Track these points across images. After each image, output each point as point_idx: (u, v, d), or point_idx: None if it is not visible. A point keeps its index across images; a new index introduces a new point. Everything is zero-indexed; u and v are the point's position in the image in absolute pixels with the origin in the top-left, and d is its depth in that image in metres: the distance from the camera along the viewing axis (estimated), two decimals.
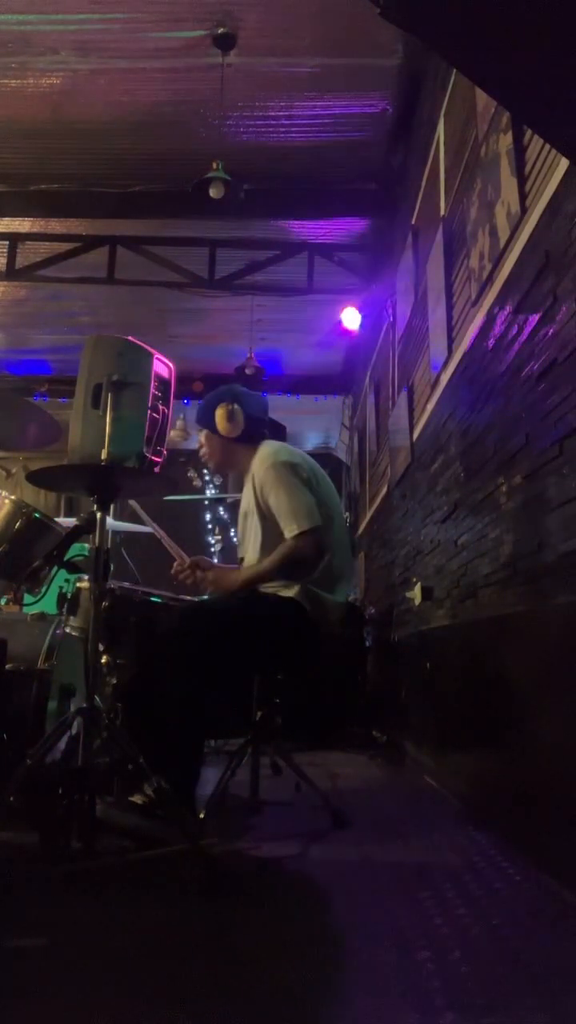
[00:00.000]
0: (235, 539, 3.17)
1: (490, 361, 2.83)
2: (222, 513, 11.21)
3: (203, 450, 2.85)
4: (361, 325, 6.51)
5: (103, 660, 2.54)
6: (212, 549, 11.22)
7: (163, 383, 2.35)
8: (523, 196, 2.51)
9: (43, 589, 2.74)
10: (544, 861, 1.99)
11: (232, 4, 4.09)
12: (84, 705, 2.01)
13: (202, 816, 2.34)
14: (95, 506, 2.17)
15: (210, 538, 11.57)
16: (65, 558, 2.17)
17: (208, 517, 11.56)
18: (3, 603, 2.82)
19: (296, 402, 8.82)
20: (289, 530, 2.53)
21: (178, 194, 5.10)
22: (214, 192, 4.52)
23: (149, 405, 2.27)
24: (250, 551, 2.73)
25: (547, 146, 2.31)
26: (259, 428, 2.78)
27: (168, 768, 2.09)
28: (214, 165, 4.54)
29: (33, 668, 2.57)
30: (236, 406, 2.71)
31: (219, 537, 11.64)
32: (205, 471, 10.56)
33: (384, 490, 5.81)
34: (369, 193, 5.66)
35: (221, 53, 4.31)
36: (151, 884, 1.88)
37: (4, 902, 1.73)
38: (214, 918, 1.69)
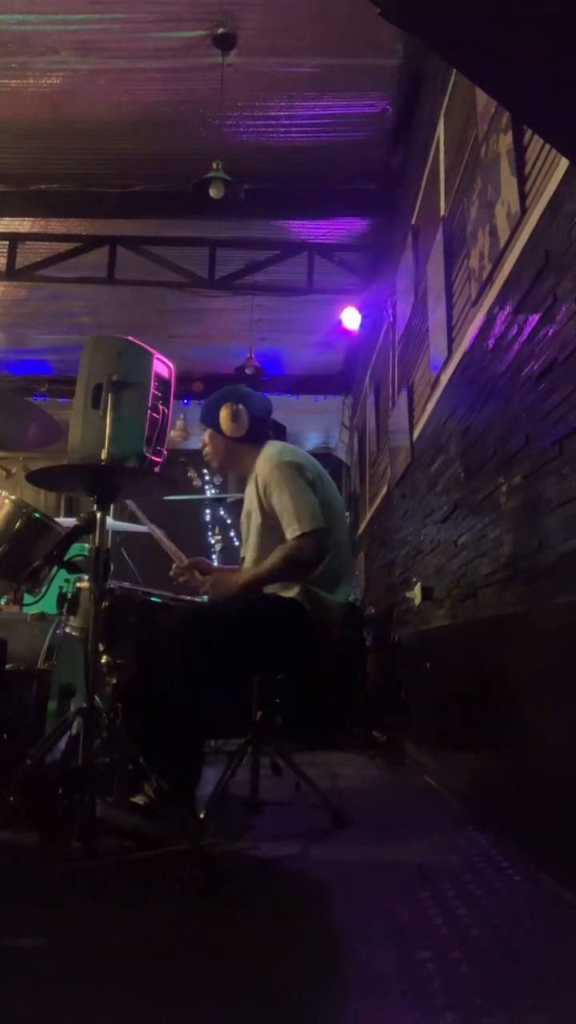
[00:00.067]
0: (235, 540, 3.17)
1: (490, 361, 2.83)
2: (222, 513, 11.20)
3: (206, 449, 2.86)
4: (361, 325, 6.51)
5: (103, 660, 2.53)
6: (212, 549, 11.22)
7: (163, 383, 2.35)
8: (523, 196, 2.51)
9: (43, 589, 2.74)
10: (544, 861, 1.99)
11: (232, 4, 4.08)
12: (84, 705, 2.01)
13: (202, 816, 2.34)
14: (95, 506, 2.17)
15: (210, 538, 11.56)
16: (65, 558, 2.17)
17: (208, 517, 11.56)
18: (3, 603, 2.82)
19: (296, 402, 8.82)
20: (291, 530, 2.54)
21: (178, 194, 5.10)
22: (214, 192, 4.52)
23: (149, 405, 2.27)
24: (251, 551, 2.73)
25: (547, 146, 2.31)
26: (263, 428, 2.79)
27: (168, 768, 2.09)
28: (214, 165, 4.54)
29: (33, 668, 2.57)
30: (241, 406, 2.72)
31: (219, 537, 11.63)
32: (205, 471, 10.57)
33: (384, 490, 5.81)
34: (369, 193, 5.66)
35: (221, 53, 4.31)
36: (151, 884, 1.88)
37: (4, 902, 1.73)
38: (214, 918, 1.69)
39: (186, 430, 8.92)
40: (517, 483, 2.46)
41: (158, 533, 2.92)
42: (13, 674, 2.50)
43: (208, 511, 11.37)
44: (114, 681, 2.58)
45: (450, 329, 3.59)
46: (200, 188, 4.54)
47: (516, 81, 0.99)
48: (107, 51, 4.40)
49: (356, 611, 5.46)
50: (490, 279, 2.86)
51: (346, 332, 6.81)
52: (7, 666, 2.46)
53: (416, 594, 3.98)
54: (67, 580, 2.67)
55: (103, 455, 2.15)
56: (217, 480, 10.40)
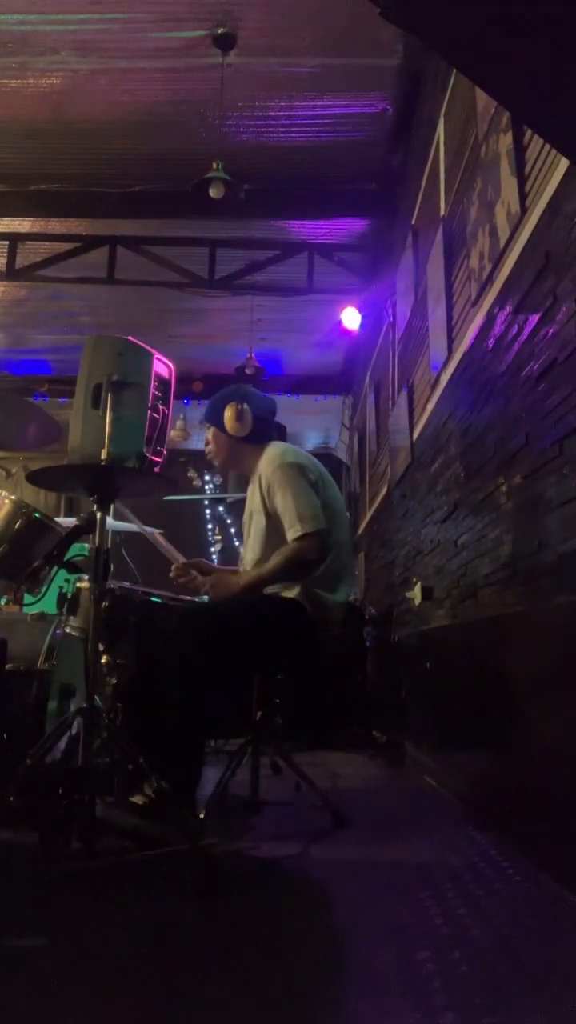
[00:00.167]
0: (235, 539, 3.17)
1: (490, 361, 2.83)
2: (222, 513, 11.20)
3: (209, 448, 2.86)
4: (361, 325, 6.51)
5: (103, 660, 2.53)
6: (212, 549, 11.22)
7: (163, 383, 2.35)
8: (523, 196, 2.51)
9: (43, 589, 2.74)
10: (544, 861, 1.99)
11: (232, 4, 4.08)
12: (84, 705, 2.01)
13: (202, 816, 2.34)
14: (95, 506, 2.17)
15: (210, 538, 11.56)
16: (65, 558, 2.17)
17: (208, 517, 11.56)
18: (3, 603, 2.82)
19: (296, 402, 8.82)
20: (293, 531, 2.54)
21: (178, 194, 5.10)
22: (214, 192, 4.52)
23: (149, 405, 2.27)
24: (253, 551, 2.73)
25: (547, 146, 2.31)
26: (267, 429, 2.80)
27: (169, 768, 2.09)
28: (214, 165, 4.54)
29: (33, 668, 2.57)
30: (245, 406, 2.73)
31: (219, 537, 11.63)
32: (205, 471, 10.57)
33: (384, 490, 5.81)
34: (369, 193, 5.66)
35: (221, 53, 4.31)
36: (151, 884, 1.88)
37: (4, 902, 1.73)
38: (214, 918, 1.69)
39: (186, 430, 8.92)
40: (517, 483, 2.46)
41: (155, 535, 2.92)
42: (13, 674, 2.50)
43: (208, 511, 11.37)
44: (114, 681, 2.58)
45: (450, 329, 3.59)
46: (200, 188, 4.54)
47: (516, 81, 0.98)
48: (107, 51, 4.40)
49: (356, 611, 5.45)
50: (490, 279, 2.86)
51: (346, 332, 6.80)
52: (7, 666, 2.46)
53: (416, 594, 3.98)
54: (67, 580, 2.67)
55: (103, 455, 2.15)
56: (217, 480, 10.40)
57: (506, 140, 2.66)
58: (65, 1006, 1.27)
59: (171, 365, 2.40)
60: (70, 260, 6.21)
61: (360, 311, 6.42)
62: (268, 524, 2.66)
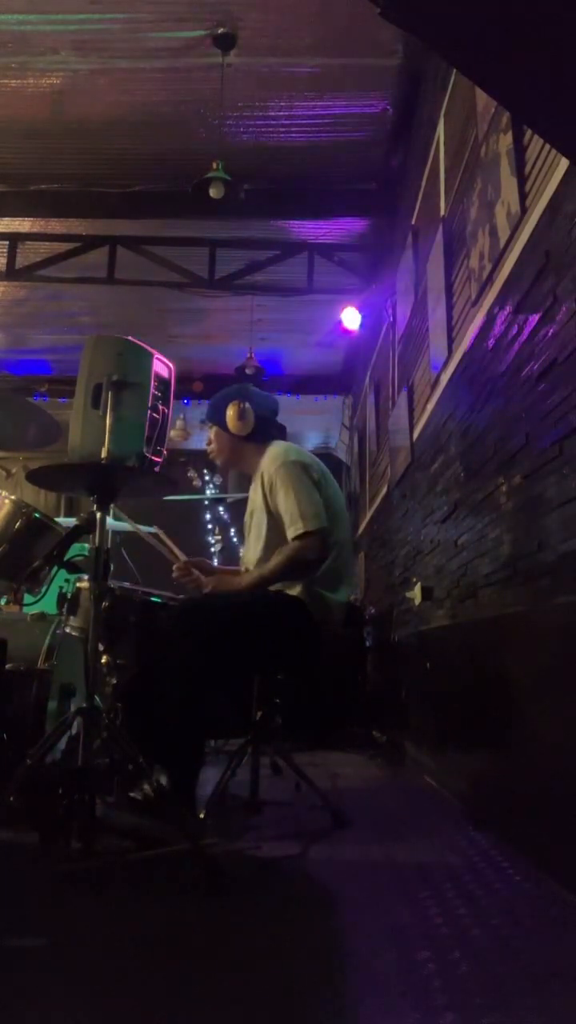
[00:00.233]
0: (235, 539, 3.17)
1: (490, 361, 2.83)
2: (222, 513, 11.20)
3: (211, 446, 2.87)
4: (361, 325, 6.50)
5: (103, 660, 2.54)
6: (212, 549, 11.22)
7: (163, 383, 2.35)
8: (523, 196, 2.51)
9: (43, 589, 2.74)
10: (544, 861, 1.99)
11: (232, 4, 4.08)
12: (84, 705, 2.01)
13: (202, 816, 2.34)
14: (95, 506, 2.17)
15: (210, 538, 11.56)
16: (65, 558, 2.17)
17: (208, 517, 11.56)
18: (3, 603, 2.82)
19: (296, 402, 8.82)
20: (294, 529, 2.54)
21: (178, 194, 5.10)
22: (214, 192, 4.52)
23: (149, 405, 2.27)
24: (254, 550, 2.73)
25: (547, 146, 2.31)
26: (269, 428, 2.81)
27: (169, 768, 2.09)
28: (214, 165, 4.54)
29: (33, 668, 2.57)
30: (247, 405, 2.74)
31: (219, 537, 11.63)
32: (205, 471, 10.57)
33: (384, 490, 5.81)
34: (369, 193, 5.66)
35: (221, 53, 4.31)
36: (151, 884, 1.88)
37: (4, 902, 1.72)
38: (214, 918, 1.69)
39: (186, 430, 8.92)
40: (517, 483, 2.46)
41: (158, 534, 2.92)
42: (13, 674, 2.50)
43: (208, 511, 11.38)
44: (114, 681, 2.58)
45: (450, 329, 3.59)
46: (200, 188, 4.54)
47: (516, 81, 0.98)
48: (107, 51, 4.40)
49: (356, 611, 5.45)
50: (490, 279, 2.86)
51: (346, 332, 6.80)
52: (7, 666, 2.46)
53: (416, 594, 3.98)
54: (67, 580, 2.67)
55: (103, 455, 2.15)
56: (217, 480, 10.40)
57: (506, 140, 2.66)
58: (65, 1006, 1.27)
59: (171, 365, 2.40)
60: (70, 260, 6.21)
61: (360, 311, 6.41)
62: (270, 523, 2.66)
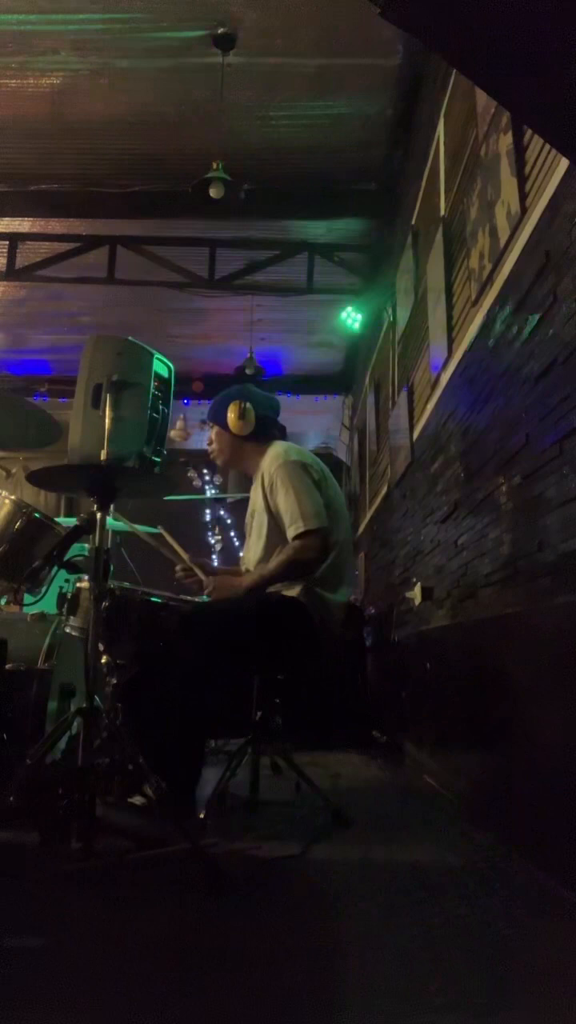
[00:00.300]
0: (235, 539, 3.17)
1: (490, 361, 2.83)
2: (222, 513, 11.20)
3: (212, 446, 2.88)
4: (361, 325, 6.51)
5: (103, 660, 2.53)
6: (212, 549, 11.22)
7: (163, 383, 2.35)
8: (523, 196, 2.51)
9: (43, 589, 2.74)
10: (544, 861, 1.99)
11: (232, 4, 4.08)
12: (84, 705, 2.01)
13: (202, 816, 2.34)
14: (95, 506, 2.17)
15: (210, 538, 11.56)
16: (65, 558, 2.17)
17: (208, 517, 11.55)
18: (3, 603, 2.82)
19: (296, 402, 8.82)
20: (294, 528, 2.54)
21: (178, 194, 5.10)
22: (214, 192, 4.52)
23: (149, 405, 2.27)
24: (255, 550, 2.73)
25: (547, 146, 2.31)
26: (270, 427, 2.82)
27: (169, 768, 2.09)
28: (214, 165, 4.54)
29: (33, 668, 2.58)
30: (248, 404, 2.75)
31: (219, 537, 11.63)
32: (205, 471, 10.57)
33: (384, 490, 5.81)
34: (369, 193, 5.66)
35: (221, 53, 4.30)
36: (151, 884, 1.88)
37: (4, 902, 1.72)
38: (214, 918, 1.69)
39: (186, 430, 8.92)
40: (517, 483, 2.46)
41: (161, 534, 2.92)
42: (13, 674, 2.51)
43: (208, 511, 11.37)
44: (114, 681, 2.58)
45: (450, 329, 3.59)
46: (200, 188, 4.54)
47: (516, 81, 0.99)
48: (107, 51, 4.40)
49: (356, 611, 5.45)
50: (490, 279, 2.86)
51: (346, 332, 6.81)
52: (7, 666, 2.46)
53: (416, 594, 3.98)
54: (67, 580, 2.67)
55: (103, 455, 2.15)
56: (217, 480, 10.40)
57: (506, 140, 2.66)
58: (66, 1006, 1.27)
59: (171, 365, 2.40)
60: (70, 260, 6.21)
61: (360, 311, 6.42)
62: (270, 523, 2.66)
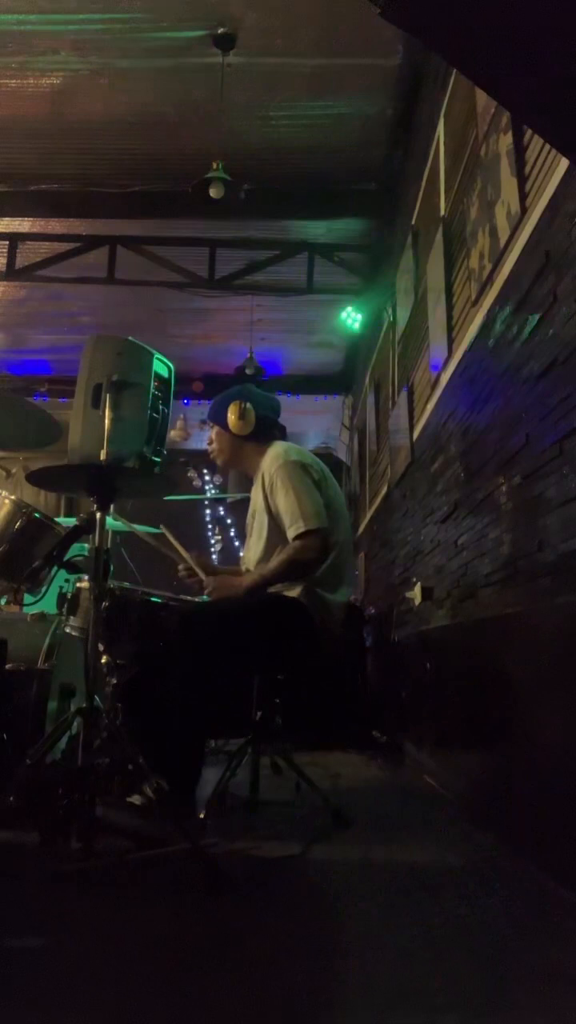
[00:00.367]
0: (235, 539, 3.17)
1: (490, 361, 2.83)
2: (222, 513, 11.21)
3: (212, 446, 2.89)
4: (361, 325, 6.51)
5: (103, 660, 2.53)
6: (212, 549, 11.23)
7: (163, 383, 2.35)
8: (523, 196, 2.51)
9: (43, 589, 2.74)
10: (544, 861, 1.99)
11: (232, 4, 4.08)
12: (84, 705, 2.01)
13: (202, 816, 2.34)
14: (95, 506, 2.17)
15: (210, 538, 11.57)
16: (65, 558, 2.17)
17: (208, 517, 11.56)
18: (3, 603, 2.82)
19: (296, 402, 8.82)
20: (294, 528, 2.54)
21: (178, 194, 5.10)
22: (214, 192, 4.52)
23: (149, 405, 2.27)
24: (255, 550, 2.73)
25: (547, 146, 2.31)
26: (270, 427, 2.82)
27: (169, 768, 2.09)
28: (214, 165, 4.54)
29: (33, 668, 2.58)
30: (248, 404, 2.75)
31: (219, 537, 11.64)
32: (205, 471, 10.57)
33: (384, 490, 5.81)
34: (369, 193, 5.66)
35: (221, 53, 4.30)
36: (151, 884, 1.88)
37: (4, 902, 1.73)
38: (214, 918, 1.69)
39: (186, 430, 8.92)
40: (517, 483, 2.46)
41: (163, 533, 2.92)
42: (13, 674, 2.50)
43: (208, 511, 11.38)
44: (114, 681, 2.58)
45: (450, 329, 3.59)
46: (200, 188, 4.54)
47: (516, 81, 0.98)
48: (107, 51, 4.40)
49: (356, 611, 5.45)
50: (490, 279, 2.86)
51: (346, 332, 6.80)
52: (7, 666, 2.46)
53: (416, 594, 3.98)
54: (67, 580, 2.67)
55: (103, 455, 2.15)
56: (217, 480, 10.40)
57: (506, 140, 2.66)
58: (65, 1006, 1.27)
59: (171, 365, 2.40)
60: (70, 260, 6.21)
61: (360, 311, 6.42)
62: (271, 523, 2.66)
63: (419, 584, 3.98)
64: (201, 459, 8.88)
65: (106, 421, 2.16)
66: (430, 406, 3.98)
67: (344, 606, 2.72)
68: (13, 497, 2.65)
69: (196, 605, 2.81)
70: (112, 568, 2.17)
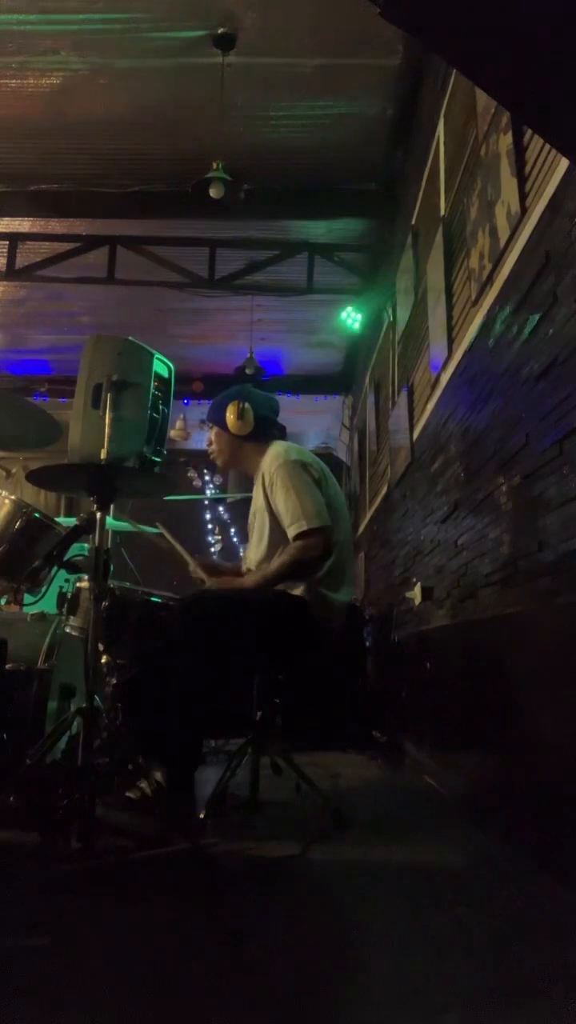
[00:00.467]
0: (235, 540, 3.18)
1: (490, 361, 2.83)
2: (222, 513, 11.21)
3: (212, 447, 2.89)
4: (361, 325, 6.51)
5: (103, 660, 2.53)
6: (212, 549, 11.23)
7: (163, 383, 2.36)
8: (523, 196, 2.51)
9: (43, 589, 2.74)
10: (544, 861, 1.99)
11: (232, 4, 4.08)
12: (84, 705, 2.01)
13: (202, 816, 2.34)
14: (95, 506, 2.17)
15: (210, 538, 11.57)
16: (65, 558, 2.17)
17: (208, 517, 11.56)
18: (3, 603, 2.82)
19: (296, 402, 8.82)
20: (296, 527, 2.54)
21: (178, 194, 5.10)
22: (214, 192, 4.52)
23: (149, 405, 2.27)
24: (256, 550, 2.73)
25: (547, 146, 2.31)
26: (269, 427, 2.82)
27: (167, 765, 2.09)
28: (214, 165, 4.54)
29: (33, 668, 2.58)
30: (247, 404, 2.75)
31: (219, 537, 11.64)
32: (205, 471, 10.57)
33: (384, 490, 5.81)
34: (369, 193, 5.66)
35: (221, 53, 4.30)
36: (151, 884, 1.88)
37: (4, 902, 1.73)
38: (214, 918, 1.69)
39: (186, 430, 8.92)
40: (517, 483, 2.46)
41: (164, 533, 2.92)
42: (13, 674, 2.50)
43: (208, 511, 11.38)
44: (114, 681, 2.58)
45: (450, 329, 3.59)
46: (200, 188, 4.54)
47: (516, 81, 0.99)
48: (107, 51, 4.40)
49: (356, 611, 5.45)
50: (490, 279, 2.86)
51: (346, 332, 6.80)
52: (7, 666, 2.46)
53: (416, 594, 3.98)
54: (67, 580, 2.67)
55: (103, 455, 2.15)
56: (217, 480, 10.41)
57: (506, 140, 2.66)
58: (65, 1006, 1.27)
59: (171, 365, 2.40)
60: (70, 260, 6.21)
61: (360, 311, 6.42)
62: (272, 523, 2.66)
63: (419, 584, 3.98)
64: (201, 459, 8.89)
65: (106, 421, 2.16)
66: (430, 406, 3.98)
67: (346, 606, 2.71)
68: (13, 497, 2.65)
69: (200, 594, 2.81)
70: (112, 568, 2.17)
